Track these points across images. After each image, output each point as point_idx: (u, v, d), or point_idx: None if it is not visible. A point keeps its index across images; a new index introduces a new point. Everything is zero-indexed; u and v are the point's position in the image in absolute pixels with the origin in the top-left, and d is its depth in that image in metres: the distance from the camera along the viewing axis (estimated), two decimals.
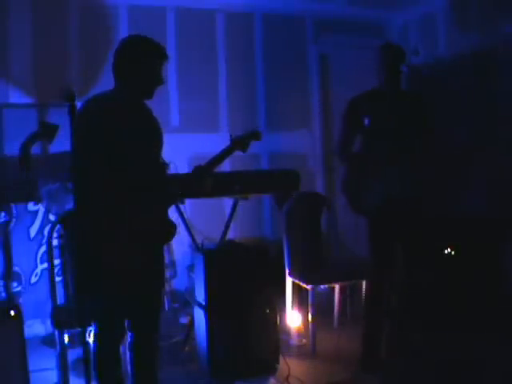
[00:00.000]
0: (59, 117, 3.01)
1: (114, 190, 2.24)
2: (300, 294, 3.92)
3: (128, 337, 2.50)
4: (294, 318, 3.83)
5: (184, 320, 3.99)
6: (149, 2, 4.51)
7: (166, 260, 3.24)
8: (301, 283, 3.74)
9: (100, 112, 2.30)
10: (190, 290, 3.87)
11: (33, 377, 2.77)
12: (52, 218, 4.04)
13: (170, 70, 4.48)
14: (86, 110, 2.33)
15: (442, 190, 4.04)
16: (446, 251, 3.80)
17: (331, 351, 3.52)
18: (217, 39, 4.82)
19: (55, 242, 3.24)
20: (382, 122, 3.13)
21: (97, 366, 2.43)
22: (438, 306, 3.56)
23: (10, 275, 3.93)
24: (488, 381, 2.91)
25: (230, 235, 3.74)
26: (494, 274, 3.64)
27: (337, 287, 3.93)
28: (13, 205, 3.94)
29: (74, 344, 3.06)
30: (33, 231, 4.10)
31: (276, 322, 3.30)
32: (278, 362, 3.27)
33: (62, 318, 2.91)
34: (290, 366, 3.25)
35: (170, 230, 2.44)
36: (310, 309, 3.62)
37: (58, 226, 3.25)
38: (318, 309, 3.63)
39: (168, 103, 4.59)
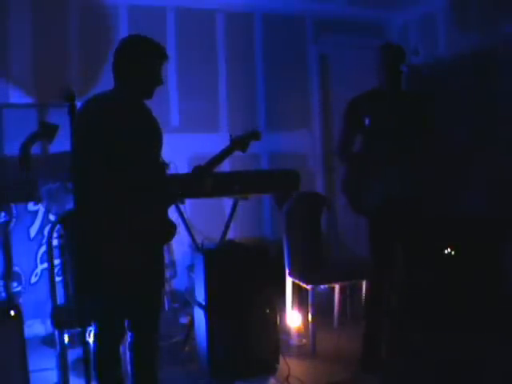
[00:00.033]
0: (59, 117, 3.01)
1: (113, 190, 2.24)
2: (300, 294, 3.92)
3: (128, 337, 2.50)
4: (294, 318, 3.83)
5: (184, 320, 3.99)
6: (149, 2, 4.51)
7: (166, 260, 3.24)
8: (301, 283, 3.74)
9: (100, 112, 2.30)
10: (190, 290, 3.87)
11: (33, 377, 2.77)
12: (52, 217, 4.04)
13: (170, 70, 4.48)
14: (85, 110, 2.33)
15: (442, 190, 4.04)
16: (445, 251, 3.80)
17: (331, 351, 3.52)
18: (217, 39, 4.82)
19: (55, 242, 3.24)
20: (382, 122, 3.13)
21: (97, 366, 2.42)
22: (437, 306, 3.56)
23: (10, 275, 3.93)
24: (488, 381, 2.91)
25: (230, 235, 3.74)
26: (494, 273, 3.64)
27: (337, 287, 3.93)
28: (13, 205, 3.94)
29: (74, 344, 3.06)
30: (33, 231, 4.10)
31: (276, 322, 3.30)
32: (277, 362, 3.27)
33: (61, 318, 2.91)
34: (290, 366, 3.25)
35: (170, 229, 2.44)
36: (310, 309, 3.62)
37: (58, 226, 3.25)
38: (318, 309, 3.63)
39: (168, 103, 4.59)
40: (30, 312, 3.51)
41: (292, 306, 3.86)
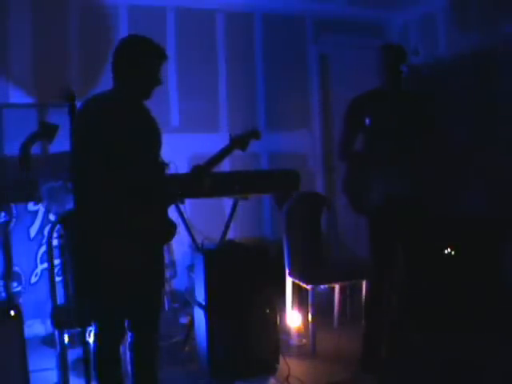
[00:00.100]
0: (59, 117, 3.00)
1: (112, 190, 2.24)
2: (300, 294, 3.92)
3: (128, 337, 2.50)
4: (294, 318, 3.83)
5: (184, 320, 3.98)
6: (149, 2, 4.51)
7: (166, 260, 3.24)
8: (301, 283, 3.74)
9: (99, 112, 2.29)
10: (190, 290, 3.87)
11: (33, 377, 2.77)
12: (52, 217, 4.03)
13: (170, 70, 4.48)
14: (84, 110, 2.32)
15: (442, 190, 4.04)
16: (445, 251, 3.80)
17: (331, 351, 3.52)
18: (217, 39, 4.82)
19: (55, 242, 3.24)
20: (383, 122, 3.13)
21: (97, 366, 2.42)
22: (438, 306, 3.56)
23: (10, 275, 3.93)
24: (488, 381, 2.91)
25: (230, 235, 3.74)
26: (494, 274, 3.64)
27: (337, 287, 3.93)
28: (13, 205, 3.94)
29: (74, 344, 3.06)
30: (33, 231, 4.10)
31: (276, 322, 3.30)
32: (278, 362, 3.27)
33: (62, 318, 2.91)
34: (290, 366, 3.25)
35: (170, 229, 2.44)
36: (310, 309, 3.62)
37: (58, 226, 3.25)
38: (318, 309, 3.63)
39: (168, 103, 4.59)
40: (30, 312, 3.51)
41: (292, 306, 3.86)
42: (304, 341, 3.74)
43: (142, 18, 4.45)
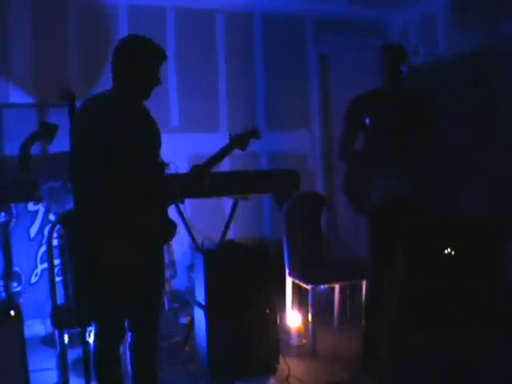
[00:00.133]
0: (59, 117, 3.01)
1: (112, 190, 2.24)
2: (300, 294, 3.92)
3: (128, 337, 2.50)
4: (294, 318, 3.83)
5: (184, 320, 3.98)
6: (149, 2, 4.51)
7: (166, 260, 3.24)
8: (301, 283, 3.74)
9: (98, 112, 2.29)
10: (190, 290, 3.87)
11: (33, 377, 2.77)
12: (52, 217, 4.03)
13: (170, 70, 4.48)
14: (84, 110, 2.33)
15: (442, 190, 4.04)
16: (445, 251, 3.80)
17: (331, 351, 3.52)
18: (217, 39, 4.82)
19: (55, 242, 3.24)
20: (383, 121, 3.14)
21: (97, 366, 2.42)
22: (438, 306, 3.56)
23: (10, 275, 3.93)
24: (488, 381, 2.91)
25: (230, 235, 3.74)
26: (494, 274, 3.64)
27: (337, 287, 3.93)
28: (13, 205, 3.94)
29: (74, 344, 3.06)
30: (33, 231, 4.10)
31: (276, 322, 3.30)
32: (278, 362, 3.27)
33: (62, 318, 2.91)
34: (290, 366, 3.25)
35: (170, 229, 2.44)
36: (310, 309, 3.62)
37: (58, 226, 3.25)
38: (318, 309, 3.63)
39: (168, 103, 4.59)
40: (30, 312, 3.51)
41: (292, 306, 3.86)
42: (304, 341, 3.74)
43: (142, 18, 4.45)
